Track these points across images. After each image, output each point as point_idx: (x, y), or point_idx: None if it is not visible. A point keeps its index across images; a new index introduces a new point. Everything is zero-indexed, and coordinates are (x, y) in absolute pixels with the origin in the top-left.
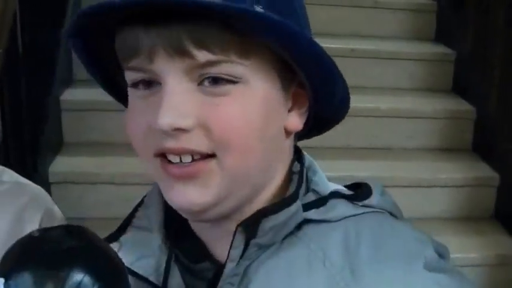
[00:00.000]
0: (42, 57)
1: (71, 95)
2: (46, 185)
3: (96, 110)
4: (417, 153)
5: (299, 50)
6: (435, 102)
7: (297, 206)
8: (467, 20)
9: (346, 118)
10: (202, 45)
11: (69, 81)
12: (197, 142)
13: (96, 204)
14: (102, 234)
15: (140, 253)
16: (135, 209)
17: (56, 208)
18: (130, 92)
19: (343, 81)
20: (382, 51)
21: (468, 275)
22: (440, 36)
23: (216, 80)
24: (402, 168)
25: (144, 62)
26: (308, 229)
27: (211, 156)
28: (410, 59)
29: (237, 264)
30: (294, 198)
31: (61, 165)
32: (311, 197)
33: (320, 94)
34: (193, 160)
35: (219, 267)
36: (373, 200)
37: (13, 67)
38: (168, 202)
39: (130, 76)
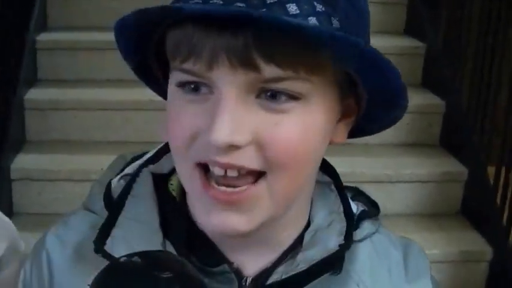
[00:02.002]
0: (7, 58)
1: (35, 95)
2: (7, 182)
3: (58, 109)
4: (381, 148)
5: (371, 67)
6: None
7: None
8: (439, 13)
9: None
10: (271, 59)
11: (33, 81)
12: (249, 159)
13: (55, 201)
14: None
15: (142, 249)
16: (122, 199)
17: (21, 242)
18: (175, 91)
19: (406, 100)
20: None
21: (431, 271)
22: (410, 29)
23: (276, 95)
24: (363, 164)
25: (202, 68)
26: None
27: (260, 174)
28: None
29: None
30: (352, 224)
31: (22, 162)
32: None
33: (376, 109)
34: (239, 175)
35: (238, 271)
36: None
37: None
38: (200, 221)
39: (179, 77)
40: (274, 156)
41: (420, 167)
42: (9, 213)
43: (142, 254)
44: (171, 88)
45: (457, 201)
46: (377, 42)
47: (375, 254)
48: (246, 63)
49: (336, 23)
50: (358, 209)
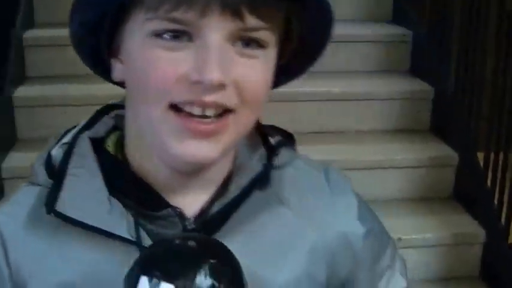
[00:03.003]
0: None
1: (24, 92)
2: None
3: (48, 106)
4: (371, 135)
5: (323, 16)
6: (391, 83)
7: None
8: (424, 0)
9: (295, 103)
10: (255, 12)
11: (21, 79)
12: (228, 98)
13: None
14: None
15: (89, 206)
16: (65, 164)
17: None
18: (149, 41)
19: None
20: (335, 35)
21: (424, 255)
22: (397, 17)
23: (249, 43)
24: (355, 151)
25: (193, 16)
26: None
27: (230, 111)
28: (365, 41)
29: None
30: (274, 149)
31: (13, 161)
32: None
33: (313, 46)
34: (214, 114)
35: (181, 213)
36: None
37: None
38: (173, 154)
39: (160, 25)
40: (248, 95)
41: (411, 152)
42: None
43: (196, 239)
44: (140, 40)
45: (448, 185)
46: (365, 30)
47: (298, 177)
48: (236, 12)
49: None
50: (275, 140)
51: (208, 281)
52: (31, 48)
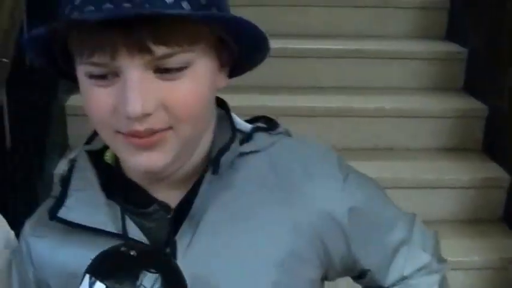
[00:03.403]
0: None
1: (76, 101)
2: (50, 186)
3: None
4: (423, 153)
5: (239, 30)
6: (444, 101)
7: (237, 142)
8: (480, 18)
9: (349, 118)
10: (160, 42)
11: (74, 88)
12: (159, 121)
13: None
14: None
15: (91, 211)
16: (69, 175)
17: (12, 233)
18: (85, 80)
19: (265, 38)
20: (389, 51)
21: (472, 278)
22: (452, 34)
23: (167, 69)
24: (405, 169)
25: (106, 59)
26: (241, 161)
27: (168, 128)
28: (419, 58)
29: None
30: (234, 137)
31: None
32: (238, 135)
33: (247, 54)
34: (152, 132)
35: (167, 207)
36: (280, 128)
37: (20, 75)
38: (131, 166)
39: (87, 69)
40: (177, 113)
41: (462, 172)
42: None
43: (141, 250)
44: (81, 78)
45: (498, 207)
46: (419, 47)
47: (278, 159)
48: (141, 48)
49: (203, 1)
50: (252, 126)
51: None
52: None
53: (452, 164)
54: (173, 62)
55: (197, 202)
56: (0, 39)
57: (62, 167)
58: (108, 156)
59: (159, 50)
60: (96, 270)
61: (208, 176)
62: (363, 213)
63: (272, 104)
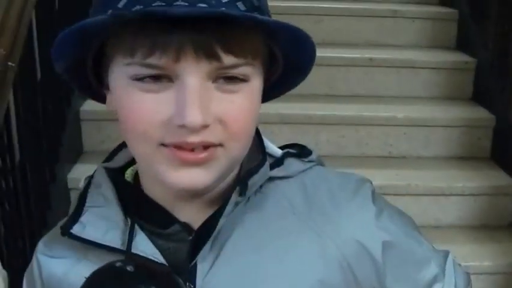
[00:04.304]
0: None
1: (90, 106)
2: (65, 191)
3: (114, 120)
4: (433, 161)
5: (299, 45)
6: (453, 110)
7: (267, 166)
8: (489, 28)
9: (361, 127)
10: (229, 50)
11: None
12: (214, 135)
13: None
14: None
15: (105, 228)
16: (85, 192)
17: None
18: (130, 84)
19: (310, 69)
20: (399, 60)
21: (482, 283)
22: (461, 44)
23: (230, 79)
24: (418, 177)
25: (168, 61)
26: (271, 186)
27: (219, 145)
28: (429, 68)
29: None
30: (264, 160)
31: (79, 172)
32: (269, 159)
33: (289, 74)
34: (203, 148)
35: (189, 228)
36: (313, 156)
37: (30, 80)
38: (171, 183)
39: (137, 71)
40: (234, 129)
41: (471, 180)
42: None
43: (138, 264)
44: (122, 83)
45: (507, 213)
46: (429, 57)
47: (310, 187)
48: (210, 54)
49: (266, 14)
50: (283, 152)
51: None
52: None
53: (462, 172)
54: (236, 73)
55: (221, 223)
56: (7, 43)
57: (77, 171)
58: (128, 174)
59: (227, 59)
60: (89, 285)
61: (234, 197)
62: (396, 248)
63: (284, 111)
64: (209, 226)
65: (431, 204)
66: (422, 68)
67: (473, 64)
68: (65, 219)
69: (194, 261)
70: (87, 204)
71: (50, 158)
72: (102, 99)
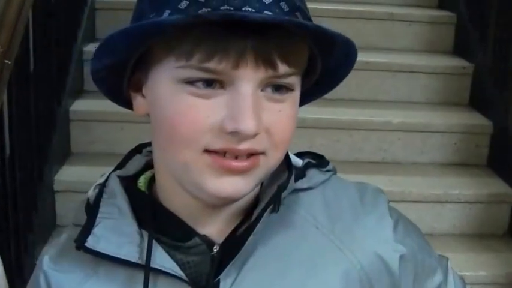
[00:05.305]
0: (54, 68)
1: (81, 106)
2: (51, 193)
3: (104, 121)
4: (429, 168)
5: (348, 58)
6: (450, 116)
7: (293, 179)
8: (487, 33)
9: (356, 131)
10: (285, 59)
11: (79, 92)
12: (260, 144)
13: None
14: None
15: (120, 241)
16: (97, 201)
17: None
18: (181, 87)
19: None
20: (396, 64)
21: None
22: (459, 49)
23: (278, 87)
24: (412, 184)
25: (227, 67)
26: (292, 197)
27: (261, 153)
28: (426, 72)
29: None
30: (291, 173)
31: (66, 174)
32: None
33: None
34: (247, 156)
35: (209, 241)
36: (330, 165)
37: (24, 78)
38: (204, 190)
39: (191, 74)
40: (278, 139)
41: (468, 187)
42: (53, 225)
43: None
44: (169, 85)
45: (504, 222)
46: (426, 61)
47: (330, 199)
48: (268, 63)
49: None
50: (304, 162)
51: None
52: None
53: (458, 179)
54: (286, 83)
55: (250, 240)
56: (5, 40)
57: (64, 173)
58: (141, 183)
59: (282, 68)
60: None
61: (267, 214)
62: (411, 260)
63: None
64: (233, 240)
65: (426, 212)
66: (419, 72)
67: (471, 69)
68: (69, 229)
69: (218, 278)
70: (99, 215)
71: (39, 157)
72: (125, 103)
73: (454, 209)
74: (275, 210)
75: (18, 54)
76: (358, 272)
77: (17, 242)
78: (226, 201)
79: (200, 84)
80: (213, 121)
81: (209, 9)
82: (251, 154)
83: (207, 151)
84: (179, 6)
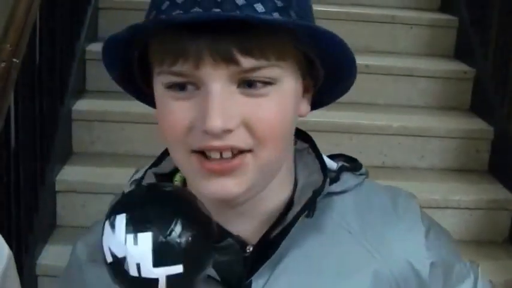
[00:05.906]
0: (56, 67)
1: (83, 106)
2: (52, 193)
3: (105, 121)
4: (429, 173)
5: (330, 48)
6: (450, 121)
7: (328, 182)
8: (489, 38)
9: (356, 135)
10: (248, 53)
11: (81, 92)
12: (239, 139)
13: (98, 214)
14: None
15: None
16: None
17: (4, 245)
18: (164, 92)
19: (354, 73)
20: (397, 68)
21: None
22: (460, 53)
23: (253, 83)
24: (412, 188)
25: (189, 68)
26: (326, 201)
27: (248, 151)
28: (427, 76)
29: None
30: (326, 177)
31: (68, 174)
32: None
33: (331, 82)
34: (232, 155)
35: (242, 241)
36: (363, 169)
37: (30, 77)
38: (203, 193)
39: (167, 79)
40: (260, 134)
41: (468, 193)
42: (53, 225)
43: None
44: (159, 91)
45: (504, 229)
46: (427, 65)
47: (363, 203)
48: (227, 58)
49: (293, 14)
50: (338, 165)
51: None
52: (93, 61)
53: (458, 184)
54: (259, 76)
55: (283, 245)
56: (14, 39)
57: (66, 173)
58: (177, 181)
59: (246, 62)
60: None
61: (302, 219)
62: (442, 267)
63: None
64: (266, 243)
65: None
66: (419, 76)
67: (472, 74)
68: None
69: (250, 279)
70: None
71: (41, 157)
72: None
73: (453, 215)
74: (310, 215)
75: (25, 53)
76: (388, 278)
77: (18, 242)
78: (226, 202)
79: (176, 88)
80: (189, 122)
81: (180, 11)
82: (238, 153)
83: (194, 152)
84: (162, 7)
